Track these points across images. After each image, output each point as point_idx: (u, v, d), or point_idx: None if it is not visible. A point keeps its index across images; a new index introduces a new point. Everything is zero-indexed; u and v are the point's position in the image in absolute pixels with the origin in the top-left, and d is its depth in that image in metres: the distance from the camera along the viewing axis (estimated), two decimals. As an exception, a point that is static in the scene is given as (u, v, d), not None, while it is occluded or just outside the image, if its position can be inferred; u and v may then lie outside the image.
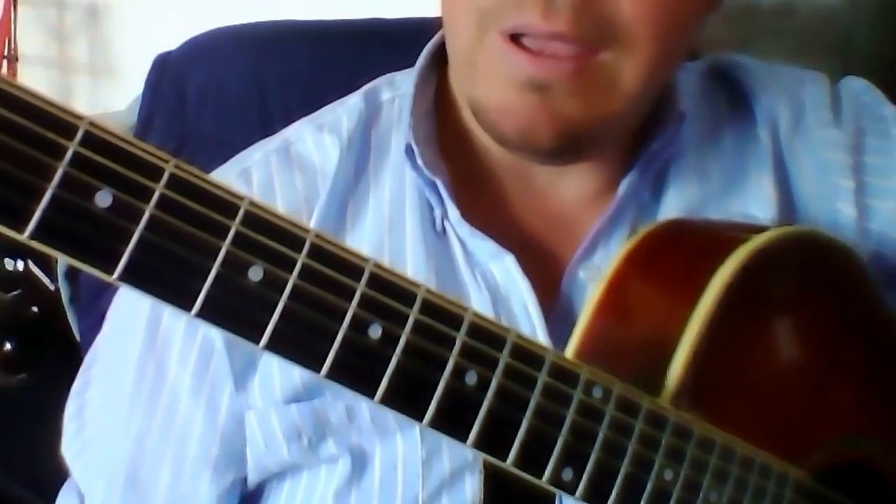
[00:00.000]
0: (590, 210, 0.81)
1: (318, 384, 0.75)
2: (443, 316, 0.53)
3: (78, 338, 1.08)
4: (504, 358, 0.55)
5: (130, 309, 0.81)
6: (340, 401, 0.75)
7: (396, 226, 0.79)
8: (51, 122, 0.44)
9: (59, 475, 0.83)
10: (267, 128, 0.87)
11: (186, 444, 0.78)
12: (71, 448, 0.82)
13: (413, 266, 0.77)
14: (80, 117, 0.44)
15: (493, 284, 0.78)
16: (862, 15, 1.36)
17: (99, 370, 0.84)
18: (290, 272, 0.49)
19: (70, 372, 1.03)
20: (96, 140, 0.45)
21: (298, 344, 0.49)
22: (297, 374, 0.75)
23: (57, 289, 1.08)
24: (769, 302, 0.73)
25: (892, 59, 1.30)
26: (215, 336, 0.76)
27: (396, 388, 0.51)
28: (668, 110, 0.81)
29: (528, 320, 0.77)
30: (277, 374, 0.76)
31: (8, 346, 1.32)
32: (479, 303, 0.77)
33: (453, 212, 0.77)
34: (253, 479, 0.79)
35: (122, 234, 0.45)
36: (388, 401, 0.51)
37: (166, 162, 0.46)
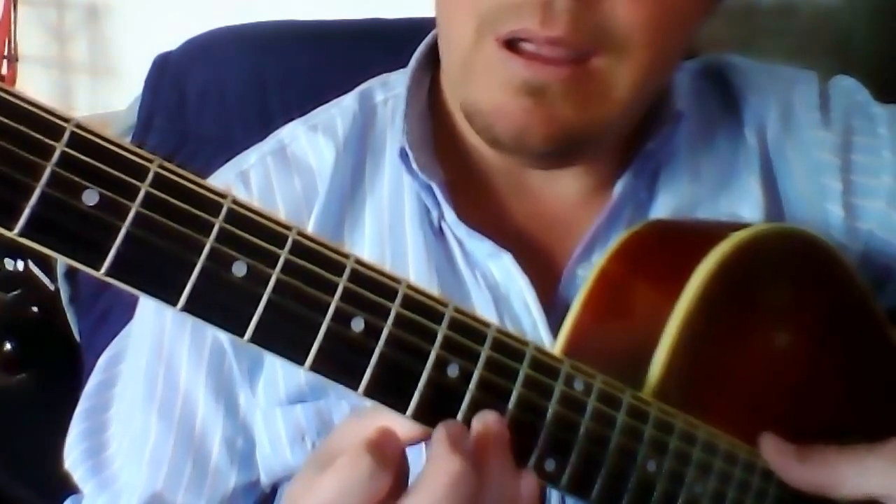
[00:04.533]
0: (586, 210, 0.81)
1: (323, 385, 0.76)
2: (424, 310, 0.54)
3: (78, 338, 1.08)
4: (485, 351, 0.55)
5: (139, 324, 0.82)
6: (345, 401, 0.75)
7: (396, 228, 0.79)
8: (39, 123, 0.45)
9: (59, 475, 0.83)
10: (267, 128, 0.87)
11: (208, 450, 0.78)
12: (72, 452, 0.82)
13: (415, 267, 0.77)
14: (66, 119, 0.45)
15: (493, 283, 0.78)
16: (862, 15, 1.35)
17: (118, 388, 0.84)
18: (274, 267, 0.49)
19: (70, 372, 1.04)
20: (83, 141, 0.46)
21: (283, 336, 0.50)
22: (301, 374, 0.75)
23: (57, 289, 1.08)
24: (751, 297, 0.73)
25: (891, 59, 1.29)
26: (224, 338, 0.77)
27: (380, 380, 0.52)
28: (663, 110, 0.81)
29: (530, 317, 0.77)
30: (282, 374, 0.77)
31: (8, 346, 1.34)
32: (480, 302, 0.77)
33: (449, 213, 0.77)
34: (264, 481, 0.80)
35: (108, 231, 0.46)
36: (372, 392, 0.52)
37: (151, 161, 0.47)
